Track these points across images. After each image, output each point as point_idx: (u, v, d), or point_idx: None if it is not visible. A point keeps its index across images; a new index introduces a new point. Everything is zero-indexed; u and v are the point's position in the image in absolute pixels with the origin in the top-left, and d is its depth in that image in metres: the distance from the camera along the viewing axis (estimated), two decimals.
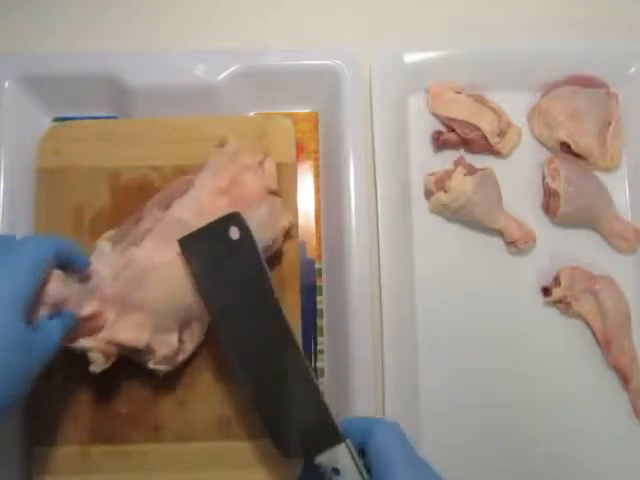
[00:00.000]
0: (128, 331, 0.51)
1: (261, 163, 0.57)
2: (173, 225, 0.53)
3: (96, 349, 0.51)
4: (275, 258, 0.58)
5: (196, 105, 0.62)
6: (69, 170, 0.60)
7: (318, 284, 0.62)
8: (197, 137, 0.61)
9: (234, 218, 0.51)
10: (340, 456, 0.46)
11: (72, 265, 0.50)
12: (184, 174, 0.59)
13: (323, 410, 0.48)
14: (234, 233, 0.51)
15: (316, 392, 0.49)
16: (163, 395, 0.57)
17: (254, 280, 0.51)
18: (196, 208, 0.54)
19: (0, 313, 0.42)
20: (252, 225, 0.53)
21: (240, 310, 0.51)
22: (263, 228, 0.55)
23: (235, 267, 0.51)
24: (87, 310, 0.50)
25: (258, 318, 0.50)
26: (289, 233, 0.58)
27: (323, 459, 0.46)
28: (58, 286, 0.48)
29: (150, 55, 0.62)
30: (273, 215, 0.56)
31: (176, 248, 0.52)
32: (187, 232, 0.52)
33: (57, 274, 0.48)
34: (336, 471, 0.45)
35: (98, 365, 0.51)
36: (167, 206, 0.55)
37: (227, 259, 0.51)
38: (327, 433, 0.47)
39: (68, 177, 0.60)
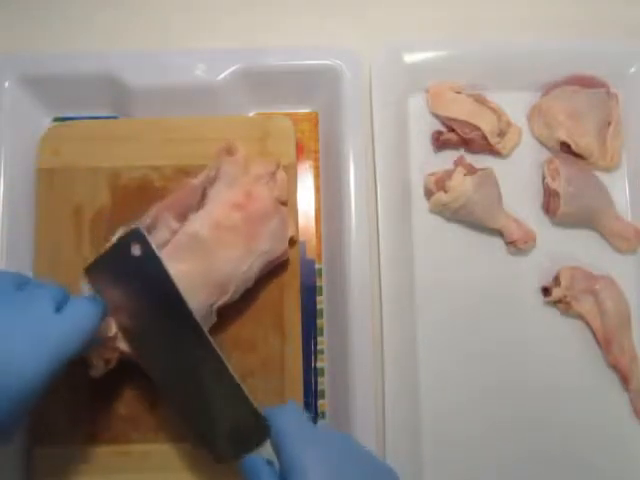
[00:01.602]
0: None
1: (273, 174, 0.57)
2: (189, 240, 0.53)
3: (99, 355, 0.51)
4: None
5: (196, 105, 0.62)
6: (69, 170, 0.60)
7: (318, 284, 0.62)
8: (197, 137, 0.61)
9: (134, 234, 0.49)
10: (270, 449, 0.47)
11: None
12: (184, 174, 0.59)
13: (250, 409, 0.48)
14: (136, 250, 0.49)
15: (241, 393, 0.48)
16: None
17: (162, 291, 0.49)
18: (212, 223, 0.53)
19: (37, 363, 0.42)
20: (265, 238, 0.54)
21: (153, 326, 0.50)
22: (275, 240, 0.55)
23: (143, 283, 0.50)
24: (111, 332, 0.50)
25: (172, 331, 0.50)
26: (292, 238, 0.58)
27: (257, 455, 0.47)
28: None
29: (150, 55, 0.62)
30: (284, 226, 0.57)
31: (184, 266, 0.51)
32: (202, 248, 0.52)
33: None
34: (270, 463, 0.46)
35: (98, 370, 0.52)
36: (182, 216, 0.54)
37: (134, 277, 0.50)
38: (256, 430, 0.47)
39: (68, 177, 0.60)
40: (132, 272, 0.49)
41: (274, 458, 0.46)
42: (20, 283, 0.45)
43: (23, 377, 0.41)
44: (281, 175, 0.58)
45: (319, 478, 0.42)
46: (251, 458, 0.47)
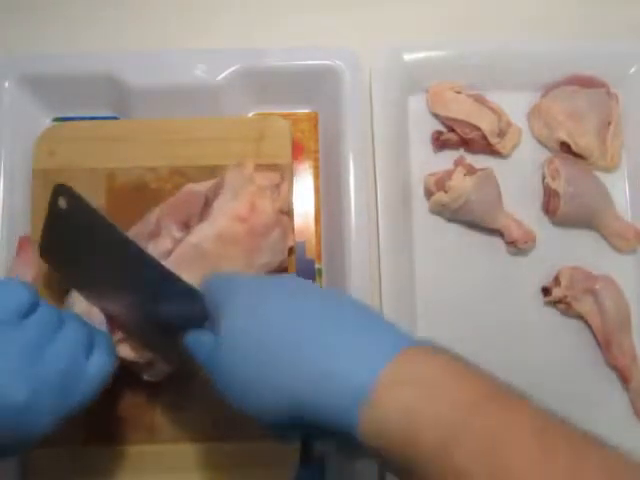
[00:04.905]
0: (132, 350, 0.52)
1: (277, 186, 0.57)
2: (192, 252, 0.52)
3: None
4: None
5: (196, 105, 0.62)
6: (65, 171, 0.60)
7: (318, 284, 0.62)
8: (192, 138, 0.60)
9: (62, 189, 0.50)
10: None
11: None
12: (180, 175, 0.59)
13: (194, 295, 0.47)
14: (62, 203, 0.49)
15: (178, 281, 0.47)
16: (159, 397, 0.57)
17: (101, 233, 0.49)
18: (215, 235, 0.53)
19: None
20: (266, 250, 0.54)
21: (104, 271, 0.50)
22: (275, 252, 0.55)
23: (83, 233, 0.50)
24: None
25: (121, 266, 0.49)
26: (291, 248, 0.58)
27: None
28: None
29: (150, 55, 0.62)
30: (284, 238, 0.56)
31: (186, 277, 0.50)
32: (205, 260, 0.52)
33: None
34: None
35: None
36: (185, 224, 0.54)
37: (77, 232, 0.50)
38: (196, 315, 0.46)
39: (63, 178, 0.60)
40: (73, 227, 0.50)
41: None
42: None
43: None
44: (285, 186, 0.57)
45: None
46: (191, 334, 0.45)
